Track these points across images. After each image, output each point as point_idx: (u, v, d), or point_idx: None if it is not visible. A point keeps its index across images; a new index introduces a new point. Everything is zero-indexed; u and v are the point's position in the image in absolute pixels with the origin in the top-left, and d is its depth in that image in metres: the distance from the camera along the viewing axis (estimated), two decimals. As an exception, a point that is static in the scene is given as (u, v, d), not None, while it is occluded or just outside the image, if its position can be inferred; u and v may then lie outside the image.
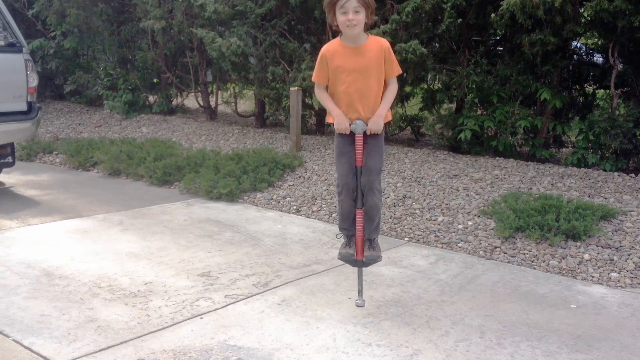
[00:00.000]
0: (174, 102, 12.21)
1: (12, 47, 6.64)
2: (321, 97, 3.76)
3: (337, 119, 3.68)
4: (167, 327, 3.60)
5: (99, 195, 6.88)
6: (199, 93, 11.49)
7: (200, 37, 9.50)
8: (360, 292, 3.88)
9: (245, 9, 8.98)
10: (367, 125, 3.65)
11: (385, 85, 3.70)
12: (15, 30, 6.73)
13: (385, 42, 3.62)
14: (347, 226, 3.87)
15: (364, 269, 3.96)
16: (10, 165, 7.09)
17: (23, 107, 6.74)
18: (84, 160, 8.37)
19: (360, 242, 3.83)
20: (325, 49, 3.64)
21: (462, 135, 7.83)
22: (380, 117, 3.64)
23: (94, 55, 13.14)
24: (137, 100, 11.57)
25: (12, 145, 6.97)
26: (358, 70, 3.57)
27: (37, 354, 3.23)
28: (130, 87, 11.60)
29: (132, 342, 3.40)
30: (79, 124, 11.09)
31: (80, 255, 4.80)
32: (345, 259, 3.87)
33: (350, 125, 3.66)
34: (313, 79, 3.75)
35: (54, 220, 5.80)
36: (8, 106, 6.59)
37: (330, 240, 5.38)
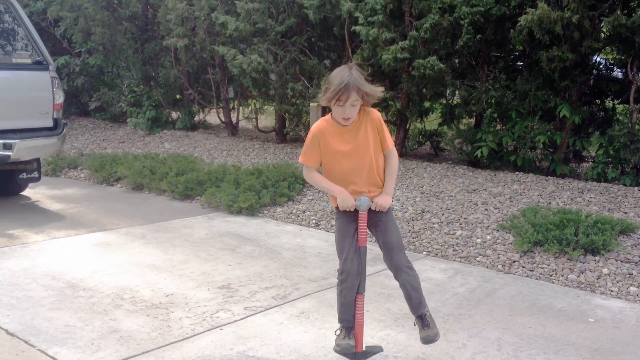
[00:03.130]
0: (196, 118, 12.37)
1: (39, 65, 6.81)
2: (314, 178, 3.36)
3: (340, 196, 3.25)
4: (188, 337, 3.67)
5: (122, 209, 7.00)
6: (221, 109, 11.64)
7: (222, 54, 9.66)
8: None
9: (265, 26, 9.13)
10: (372, 201, 3.27)
11: (385, 158, 3.36)
12: (41, 48, 6.91)
13: (377, 114, 3.30)
14: (350, 317, 3.35)
15: None
16: (36, 180, 7.25)
17: (49, 123, 6.90)
18: (108, 175, 8.52)
19: (360, 332, 3.33)
20: (316, 128, 3.31)
21: (479, 153, 7.86)
22: (388, 194, 3.31)
23: (118, 72, 13.40)
24: (160, 117, 11.75)
25: (38, 160, 7.13)
26: (352, 150, 3.26)
27: (62, 362, 3.32)
28: (153, 104, 11.79)
29: (154, 352, 3.47)
30: (103, 140, 11.29)
31: (104, 268, 4.90)
32: (345, 351, 3.31)
33: (355, 201, 3.25)
34: (303, 161, 3.35)
35: (78, 234, 5.92)
36: (35, 122, 6.76)
37: (348, 254, 5.42)
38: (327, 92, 3.16)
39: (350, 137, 3.25)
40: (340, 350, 3.31)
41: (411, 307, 3.42)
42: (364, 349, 3.36)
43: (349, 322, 3.34)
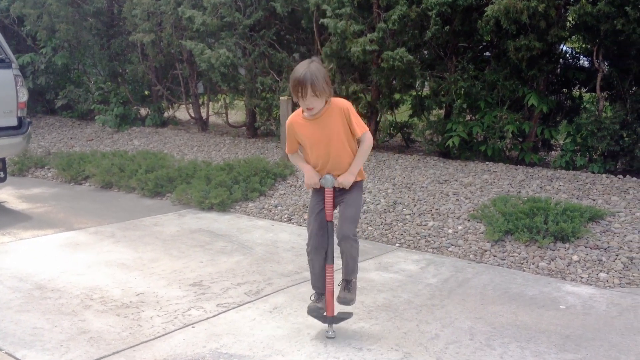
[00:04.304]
0: (166, 115, 12.24)
1: (1, 63, 6.67)
2: (293, 159, 3.72)
3: (306, 174, 3.63)
4: (159, 336, 3.62)
5: (91, 208, 6.90)
6: (190, 105, 11.54)
7: (190, 49, 9.56)
8: (330, 325, 3.72)
9: (233, 20, 9.05)
10: (336, 180, 3.56)
11: (359, 142, 3.58)
12: (4, 46, 6.76)
13: (345, 104, 3.50)
14: (321, 284, 3.70)
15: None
16: (2, 180, 7.09)
17: (13, 122, 6.76)
18: (76, 174, 8.38)
19: (330, 299, 3.65)
20: (290, 120, 3.62)
21: (450, 142, 7.89)
22: (351, 174, 3.55)
23: (84, 69, 13.17)
24: (129, 114, 11.60)
25: (3, 160, 6.98)
26: (322, 140, 3.52)
27: (30, 366, 3.25)
28: (121, 101, 11.63)
29: (124, 352, 3.42)
30: (71, 138, 11.11)
31: (72, 268, 4.82)
32: (314, 313, 3.68)
33: (320, 180, 3.58)
34: (286, 151, 3.72)
35: (46, 234, 5.81)
36: (-2, 122, 6.62)
37: (321, 247, 5.41)
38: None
39: (318, 127, 3.51)
40: (309, 312, 3.70)
41: (345, 271, 3.73)
42: (335, 314, 3.68)
43: (320, 288, 3.71)
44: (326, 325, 3.71)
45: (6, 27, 12.62)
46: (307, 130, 3.55)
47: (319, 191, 3.66)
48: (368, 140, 3.56)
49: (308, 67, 3.35)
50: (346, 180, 3.55)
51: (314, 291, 3.76)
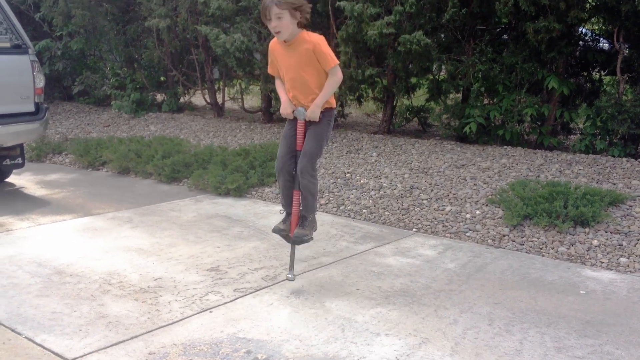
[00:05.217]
0: (182, 100, 12.24)
1: (18, 49, 6.68)
2: (276, 85, 4.08)
3: (282, 105, 3.99)
4: (177, 321, 3.63)
5: (109, 193, 6.93)
6: (206, 90, 11.52)
7: (205, 34, 9.52)
8: (291, 267, 4.14)
9: (249, 4, 8.99)
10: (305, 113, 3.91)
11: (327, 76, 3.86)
12: (20, 32, 6.77)
13: (312, 40, 3.76)
14: (285, 203, 4.15)
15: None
16: (20, 166, 7.15)
17: (31, 108, 6.78)
18: (93, 159, 8.42)
19: (294, 221, 4.08)
20: (270, 44, 3.96)
21: (467, 129, 7.82)
22: (316, 106, 3.85)
23: (100, 55, 13.19)
24: (145, 99, 11.61)
25: (21, 146, 7.02)
26: (292, 65, 3.84)
27: (49, 350, 3.27)
28: (137, 86, 11.64)
29: (143, 336, 3.43)
30: (88, 124, 11.16)
31: (91, 253, 4.84)
32: (276, 231, 4.18)
33: (293, 111, 3.94)
34: (268, 71, 4.10)
35: (64, 220, 5.85)
36: (16, 107, 6.63)
37: (338, 232, 5.39)
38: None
39: (289, 53, 3.83)
40: (273, 230, 4.20)
41: (303, 207, 4.07)
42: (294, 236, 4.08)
43: (285, 207, 4.15)
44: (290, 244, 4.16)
45: (22, 13, 12.64)
46: (280, 55, 3.88)
47: (293, 120, 4.00)
48: (335, 74, 3.82)
49: None
50: (312, 113, 3.87)
51: (283, 209, 4.19)
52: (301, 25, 3.76)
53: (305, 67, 3.80)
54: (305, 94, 3.90)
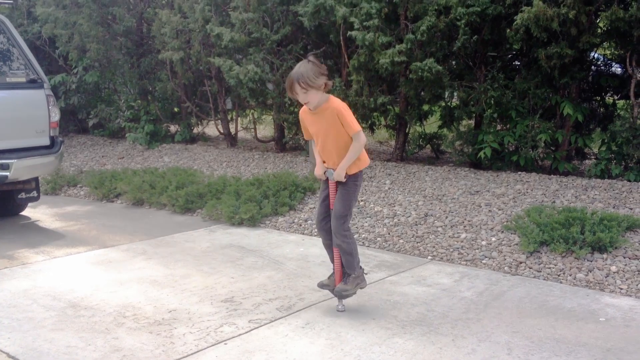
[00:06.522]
0: (195, 131, 12.32)
1: (34, 83, 6.77)
2: (312, 149, 4.38)
3: (316, 167, 4.21)
4: (192, 354, 3.60)
5: (123, 225, 6.94)
6: (219, 121, 11.59)
7: (218, 65, 9.61)
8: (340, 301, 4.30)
9: (261, 36, 9.08)
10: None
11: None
12: (36, 67, 6.87)
13: (336, 105, 3.96)
14: (330, 258, 4.35)
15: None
16: (35, 199, 7.20)
17: (46, 141, 6.85)
18: (108, 191, 8.46)
19: (338, 277, 4.24)
20: (300, 113, 4.21)
21: (482, 154, 7.79)
22: (341, 168, 4.03)
23: (115, 88, 13.34)
24: (159, 131, 11.70)
25: (36, 179, 7.08)
26: (320, 131, 4.06)
27: (64, 385, 3.25)
28: (151, 118, 11.73)
29: (157, 370, 3.41)
30: (102, 156, 11.24)
31: (105, 286, 4.84)
32: (320, 287, 4.36)
33: (325, 172, 4.15)
34: (305, 137, 4.32)
35: (79, 252, 5.86)
36: (31, 141, 6.71)
37: (353, 261, 5.36)
38: None
39: (317, 119, 4.03)
40: (318, 284, 4.38)
41: (344, 265, 4.19)
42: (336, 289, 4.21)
43: (332, 262, 4.30)
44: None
45: (38, 48, 12.85)
46: (309, 121, 4.12)
47: (326, 180, 4.19)
48: (359, 140, 3.99)
49: (299, 67, 3.91)
50: (337, 175, 4.07)
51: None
52: (327, 91, 3.99)
53: (331, 130, 3.99)
54: (332, 157, 4.09)
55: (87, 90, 13.21)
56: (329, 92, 4.01)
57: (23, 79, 6.76)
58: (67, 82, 12.86)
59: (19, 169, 6.44)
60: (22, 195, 7.05)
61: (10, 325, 4.06)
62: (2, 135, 6.42)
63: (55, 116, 6.93)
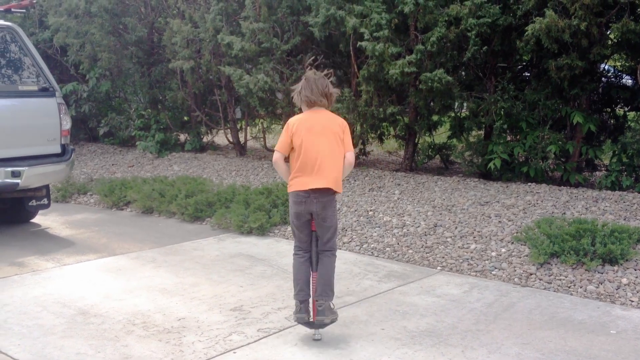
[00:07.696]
0: (205, 140, 12.36)
1: (45, 92, 6.82)
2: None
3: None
4: (201, 362, 3.60)
5: (133, 233, 6.96)
6: (229, 130, 11.62)
7: (228, 74, 9.65)
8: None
9: (271, 45, 9.12)
10: None
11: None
12: (48, 76, 6.92)
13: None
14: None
15: None
16: (46, 207, 7.23)
17: (57, 149, 6.89)
18: (118, 199, 8.49)
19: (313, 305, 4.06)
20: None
21: (491, 165, 7.77)
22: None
23: (125, 97, 13.41)
24: (169, 139, 11.74)
25: (47, 187, 7.11)
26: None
27: (73, 392, 3.25)
28: (161, 127, 11.78)
29: (166, 378, 3.41)
30: (113, 165, 11.29)
31: (115, 293, 4.85)
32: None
33: None
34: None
35: (88, 260, 5.88)
36: (42, 149, 6.75)
37: (361, 271, 5.35)
38: None
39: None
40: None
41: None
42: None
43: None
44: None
45: (50, 57, 12.93)
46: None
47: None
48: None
49: (325, 79, 4.37)
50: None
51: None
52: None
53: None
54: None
55: (98, 99, 13.28)
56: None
57: (35, 87, 6.81)
58: (78, 90, 12.93)
59: (30, 177, 6.48)
60: (33, 202, 7.08)
61: (20, 332, 4.08)
62: (14, 142, 6.47)
63: (67, 124, 6.97)
